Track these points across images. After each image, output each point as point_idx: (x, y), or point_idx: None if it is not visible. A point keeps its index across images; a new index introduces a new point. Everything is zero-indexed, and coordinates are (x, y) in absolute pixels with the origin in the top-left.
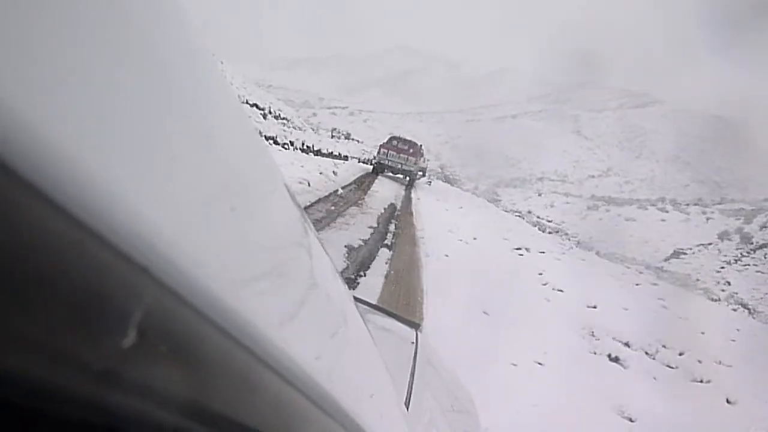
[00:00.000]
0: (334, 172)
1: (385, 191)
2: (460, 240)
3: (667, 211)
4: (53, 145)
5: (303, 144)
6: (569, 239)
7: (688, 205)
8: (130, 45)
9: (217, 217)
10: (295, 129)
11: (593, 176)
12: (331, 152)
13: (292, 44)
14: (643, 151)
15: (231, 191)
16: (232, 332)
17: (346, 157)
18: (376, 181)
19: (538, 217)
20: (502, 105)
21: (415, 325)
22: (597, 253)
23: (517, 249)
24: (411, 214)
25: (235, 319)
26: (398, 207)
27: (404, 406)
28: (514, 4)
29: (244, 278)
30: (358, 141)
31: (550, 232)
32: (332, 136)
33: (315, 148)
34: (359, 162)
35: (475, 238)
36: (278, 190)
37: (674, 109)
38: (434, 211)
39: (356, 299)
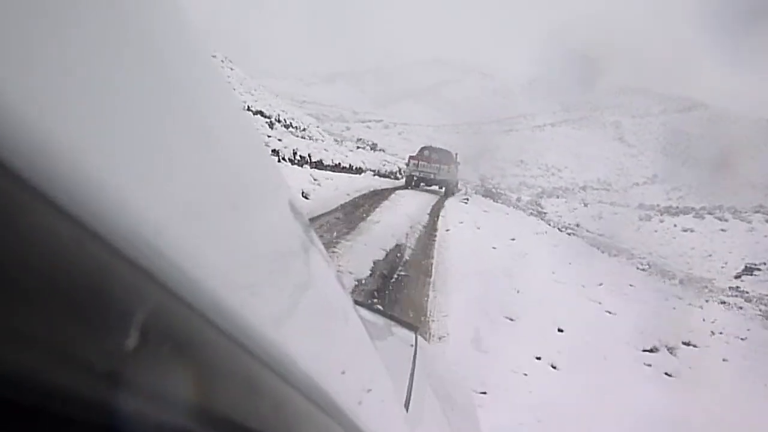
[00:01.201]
0: (304, 194)
1: (394, 217)
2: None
3: (726, 220)
4: (54, 146)
5: (295, 153)
6: (633, 260)
7: (748, 212)
8: (129, 45)
9: (218, 218)
10: (305, 138)
11: (638, 184)
12: (339, 164)
13: (329, 59)
14: (689, 157)
15: (232, 192)
16: (233, 333)
17: (359, 170)
18: (389, 200)
19: (588, 231)
20: (539, 114)
21: (414, 328)
22: (680, 282)
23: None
24: (428, 272)
25: (237, 321)
26: (407, 255)
27: (404, 407)
28: (547, 13)
29: (245, 279)
30: (383, 151)
31: (615, 255)
32: (357, 147)
33: (315, 159)
34: (375, 175)
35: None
36: (279, 191)
37: (719, 113)
38: (475, 251)
39: (356, 302)
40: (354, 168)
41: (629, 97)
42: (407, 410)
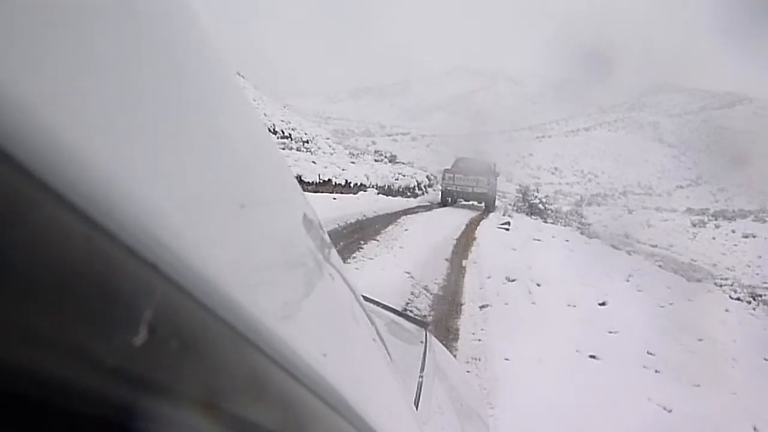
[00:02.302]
0: None
1: (387, 278)
2: None
3: None
4: (64, 143)
5: None
6: (717, 281)
7: None
8: (144, 49)
9: (227, 216)
10: (301, 151)
11: (681, 186)
12: (328, 180)
13: (355, 75)
14: (734, 155)
15: (241, 190)
16: (242, 330)
17: (359, 187)
18: (380, 239)
19: (639, 242)
20: (573, 118)
21: (425, 325)
22: None
23: None
24: None
25: (246, 317)
26: None
27: (413, 405)
28: (572, 16)
29: (254, 276)
30: (405, 163)
31: (699, 280)
32: (375, 161)
33: (296, 175)
34: (381, 194)
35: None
36: (288, 189)
37: (762, 109)
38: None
39: (365, 298)
40: (351, 185)
41: (666, 95)
42: (417, 408)
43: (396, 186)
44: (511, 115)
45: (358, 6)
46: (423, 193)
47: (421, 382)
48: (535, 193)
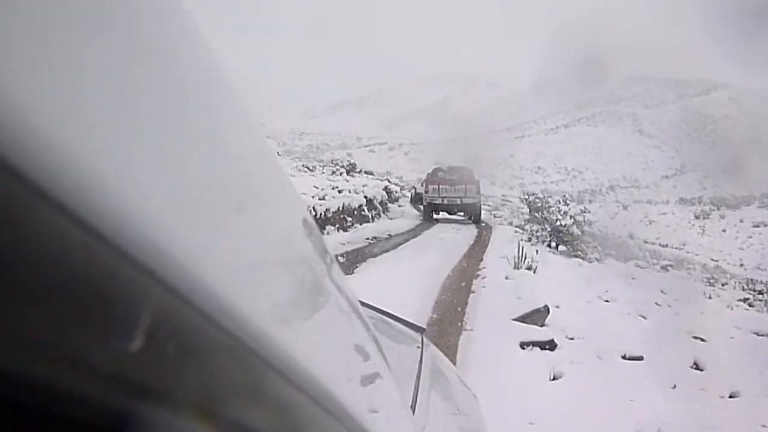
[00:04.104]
0: None
1: None
2: None
3: None
4: (60, 147)
5: None
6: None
7: None
8: (138, 48)
9: (223, 219)
10: None
11: (667, 176)
12: None
13: (331, 88)
14: (716, 141)
15: (238, 194)
16: (239, 334)
17: None
18: None
19: (647, 242)
20: (551, 116)
21: (421, 329)
22: None
23: None
24: None
25: (242, 321)
26: None
27: (410, 409)
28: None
29: (250, 280)
30: (366, 174)
31: (751, 309)
32: (333, 173)
33: None
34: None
35: None
36: (285, 192)
37: (740, 92)
38: None
39: (362, 303)
40: None
41: (641, 86)
42: (414, 413)
43: (321, 211)
44: (488, 118)
45: (332, 19)
46: (372, 219)
47: (418, 386)
48: (561, 207)
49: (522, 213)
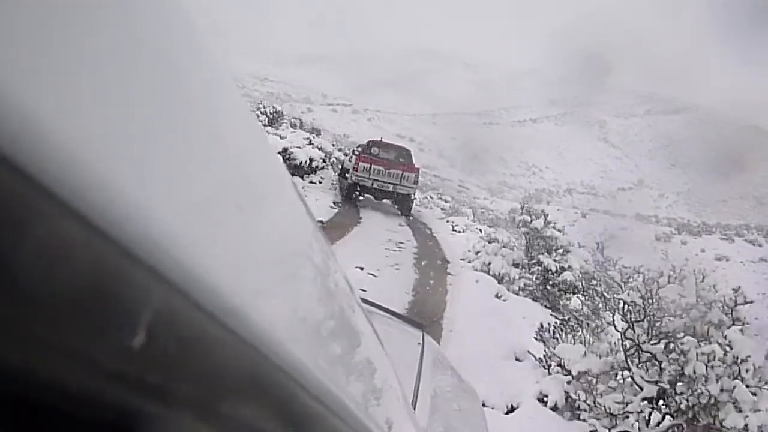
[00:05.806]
0: None
1: None
2: None
3: (761, 245)
4: (64, 147)
5: None
6: None
7: None
8: (140, 48)
9: (224, 217)
10: None
11: (623, 189)
12: None
13: (304, 41)
14: (677, 161)
15: (238, 192)
16: (240, 332)
17: None
18: None
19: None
20: (522, 108)
21: (422, 327)
22: None
23: None
24: None
25: (243, 320)
26: None
27: (411, 406)
28: (533, 8)
29: (251, 277)
30: (320, 133)
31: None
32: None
33: None
34: None
35: None
36: (285, 190)
37: (707, 117)
38: None
39: (364, 300)
40: None
41: (614, 95)
42: (414, 408)
43: None
44: (460, 99)
45: None
46: None
47: (419, 382)
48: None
49: (496, 222)
